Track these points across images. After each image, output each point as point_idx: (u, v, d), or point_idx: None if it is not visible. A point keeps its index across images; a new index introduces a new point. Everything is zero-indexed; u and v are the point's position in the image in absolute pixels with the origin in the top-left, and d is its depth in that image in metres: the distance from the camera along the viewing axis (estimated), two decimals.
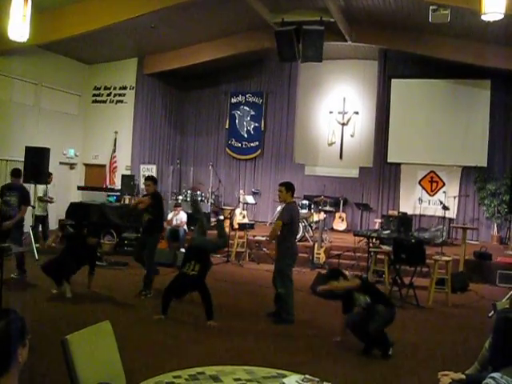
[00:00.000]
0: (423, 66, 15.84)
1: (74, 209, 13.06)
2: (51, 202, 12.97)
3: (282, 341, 6.69)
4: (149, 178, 9.51)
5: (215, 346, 6.23)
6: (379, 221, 14.63)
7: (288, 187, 7.79)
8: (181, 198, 16.47)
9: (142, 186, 15.18)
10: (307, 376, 3.32)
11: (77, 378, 3.05)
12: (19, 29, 8.61)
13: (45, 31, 12.67)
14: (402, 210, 15.45)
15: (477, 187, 15.47)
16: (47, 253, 11.60)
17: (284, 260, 7.64)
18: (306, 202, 14.65)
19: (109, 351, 3.44)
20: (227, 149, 18.41)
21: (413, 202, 15.85)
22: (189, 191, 16.35)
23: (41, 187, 12.51)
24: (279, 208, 14.95)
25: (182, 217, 13.09)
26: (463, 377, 3.53)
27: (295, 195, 15.32)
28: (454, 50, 13.92)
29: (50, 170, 12.34)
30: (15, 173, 9.87)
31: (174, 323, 7.16)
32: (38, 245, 11.42)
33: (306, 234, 13.31)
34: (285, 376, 3.36)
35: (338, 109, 17.47)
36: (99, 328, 3.49)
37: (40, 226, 12.57)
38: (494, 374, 2.93)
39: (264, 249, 12.83)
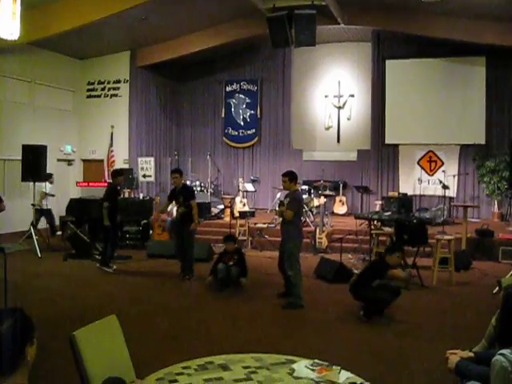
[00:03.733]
0: (417, 46, 15.74)
1: (74, 205, 13.05)
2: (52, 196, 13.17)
3: (288, 327, 6.70)
4: (175, 171, 9.66)
5: (223, 335, 6.24)
6: (380, 203, 14.62)
7: (292, 177, 7.92)
8: None
9: (141, 179, 15.23)
10: (316, 361, 3.33)
11: (86, 374, 3.06)
12: (9, 27, 8.57)
13: (35, 28, 12.60)
14: (401, 190, 15.44)
15: (476, 165, 15.44)
16: (50, 250, 11.66)
17: (293, 241, 7.78)
18: (305, 187, 14.64)
19: (116, 345, 3.44)
20: (224, 138, 18.36)
21: (412, 182, 15.84)
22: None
23: (43, 184, 12.63)
24: (279, 195, 15.02)
25: None
26: (471, 354, 3.54)
27: None
28: (447, 28, 13.84)
29: (48, 167, 12.33)
30: None
31: (180, 314, 7.17)
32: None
33: (307, 220, 13.31)
34: (294, 362, 3.37)
35: (333, 92, 17.40)
36: (106, 323, 3.49)
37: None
38: (504, 351, 2.93)
39: (266, 236, 12.84)
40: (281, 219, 8.15)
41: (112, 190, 10.38)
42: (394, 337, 6.28)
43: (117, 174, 10.63)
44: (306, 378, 3.10)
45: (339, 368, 3.22)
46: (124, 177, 10.84)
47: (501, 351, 2.94)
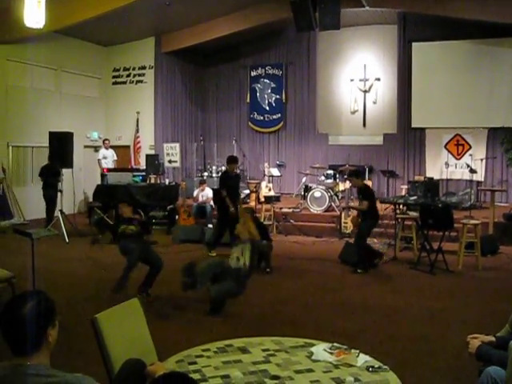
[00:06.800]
0: (444, 28, 15.45)
1: (101, 191, 13.20)
2: None
3: (308, 311, 6.72)
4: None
5: (244, 319, 6.29)
6: (406, 187, 14.50)
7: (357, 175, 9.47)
8: (206, 174, 16.57)
9: (167, 165, 15.35)
10: (335, 344, 3.35)
11: (108, 356, 3.12)
12: (35, 16, 8.69)
13: (60, 16, 12.69)
14: (428, 175, 15.26)
15: (504, 148, 15.14)
16: (77, 235, 11.85)
17: None
18: (331, 171, 14.58)
19: (138, 328, 3.50)
20: (250, 122, 18.35)
21: (439, 166, 15.66)
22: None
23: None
24: (304, 179, 15.01)
25: (208, 193, 13.15)
26: (493, 339, 3.51)
27: (320, 165, 15.28)
28: (475, 8, 13.54)
29: (75, 154, 12.49)
30: None
31: (202, 299, 7.24)
32: None
33: (333, 204, 13.28)
34: (313, 345, 3.39)
35: (359, 76, 17.23)
36: (128, 305, 3.55)
37: None
38: None
39: (291, 220, 12.87)
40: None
41: (222, 178, 10.75)
42: (418, 321, 6.27)
43: (228, 161, 10.73)
44: (324, 361, 3.13)
45: (357, 351, 3.24)
46: (237, 164, 10.99)
47: None
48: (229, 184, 10.33)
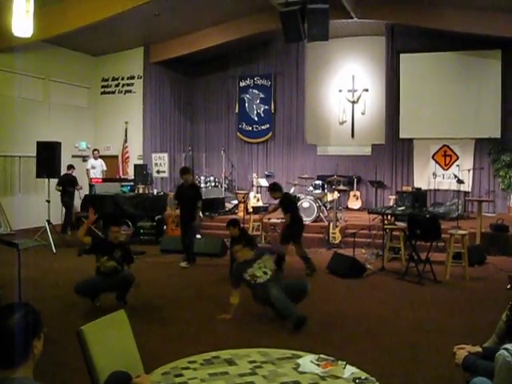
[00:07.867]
0: (432, 39, 15.59)
1: (89, 201, 13.14)
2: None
3: None
4: None
5: (230, 330, 6.26)
6: (393, 197, 14.55)
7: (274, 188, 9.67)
8: None
9: (155, 175, 15.33)
10: (322, 356, 3.35)
11: (94, 368, 3.09)
12: (23, 25, 8.63)
13: (48, 25, 12.69)
14: (416, 185, 15.36)
15: (491, 159, 15.28)
16: (65, 245, 11.77)
17: None
18: (319, 182, 14.60)
19: (124, 339, 3.47)
20: (238, 133, 18.37)
21: (427, 177, 15.75)
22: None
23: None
24: (292, 190, 15.02)
25: None
26: (479, 350, 3.53)
27: (308, 175, 15.37)
28: (462, 20, 13.70)
29: (63, 164, 12.45)
30: None
31: (191, 311, 7.21)
32: None
33: (321, 214, 13.29)
34: (300, 356, 3.39)
35: (347, 87, 17.33)
36: (114, 317, 3.52)
37: None
38: (509, 346, 2.92)
39: (279, 231, 12.85)
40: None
41: (177, 189, 11.11)
42: (405, 332, 6.27)
43: (180, 172, 10.86)
44: (311, 372, 3.12)
45: (344, 363, 3.23)
46: (189, 175, 10.84)
47: (505, 346, 2.93)
48: (184, 195, 10.41)
